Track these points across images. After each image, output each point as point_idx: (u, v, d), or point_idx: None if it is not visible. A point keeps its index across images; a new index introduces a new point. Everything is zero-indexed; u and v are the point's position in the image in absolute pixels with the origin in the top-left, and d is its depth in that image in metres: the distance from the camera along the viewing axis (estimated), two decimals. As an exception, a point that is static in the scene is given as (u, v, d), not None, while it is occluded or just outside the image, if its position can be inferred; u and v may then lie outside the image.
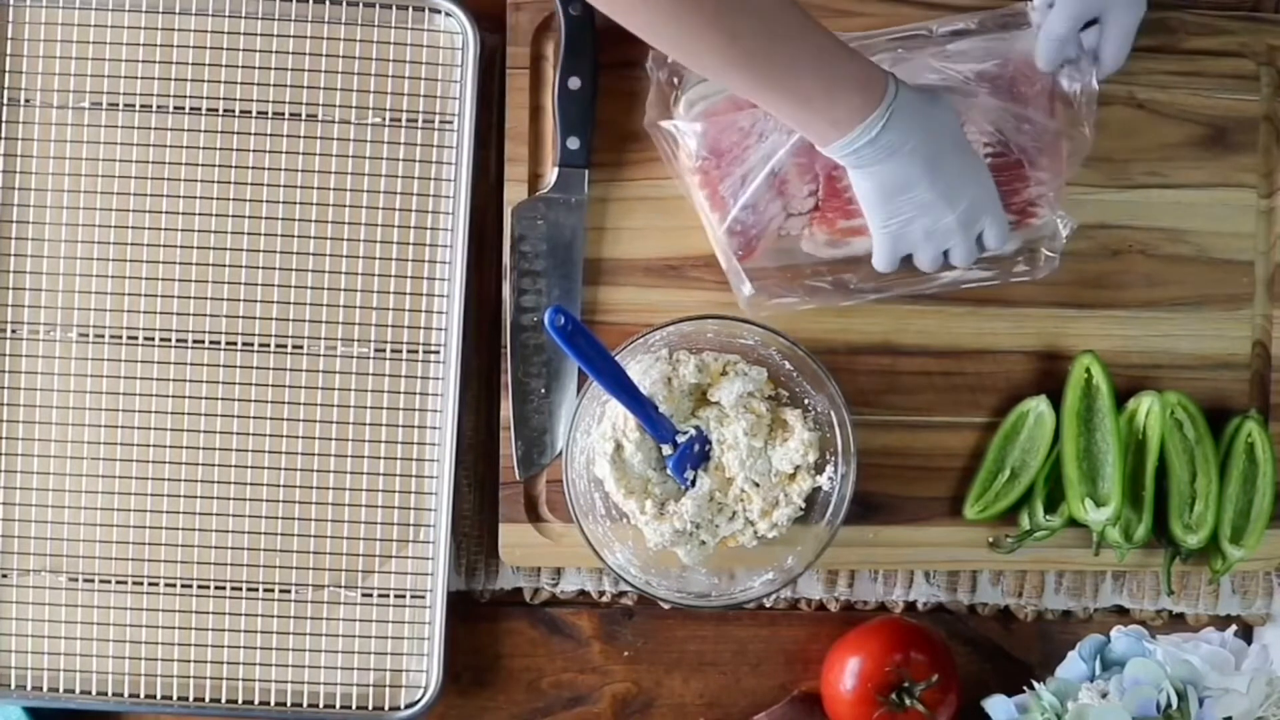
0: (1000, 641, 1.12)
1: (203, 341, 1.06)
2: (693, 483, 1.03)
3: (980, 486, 1.08)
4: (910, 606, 1.12)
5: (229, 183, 1.06)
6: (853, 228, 1.03)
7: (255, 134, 1.06)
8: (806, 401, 1.04)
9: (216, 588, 1.07)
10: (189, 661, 1.07)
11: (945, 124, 0.96)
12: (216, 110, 1.06)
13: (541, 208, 1.07)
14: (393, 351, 1.07)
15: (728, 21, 0.87)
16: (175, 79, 1.05)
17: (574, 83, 1.06)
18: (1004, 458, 1.08)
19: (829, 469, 1.03)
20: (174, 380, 1.06)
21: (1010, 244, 1.03)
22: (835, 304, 1.06)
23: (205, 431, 1.06)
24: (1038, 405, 1.08)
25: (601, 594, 1.10)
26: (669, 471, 1.03)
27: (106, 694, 1.07)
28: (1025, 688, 1.03)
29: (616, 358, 0.99)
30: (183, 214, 1.06)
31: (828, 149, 0.94)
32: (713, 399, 1.03)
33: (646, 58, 1.06)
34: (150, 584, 1.07)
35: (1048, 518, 1.07)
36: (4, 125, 1.05)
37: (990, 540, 1.09)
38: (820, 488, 1.04)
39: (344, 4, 1.06)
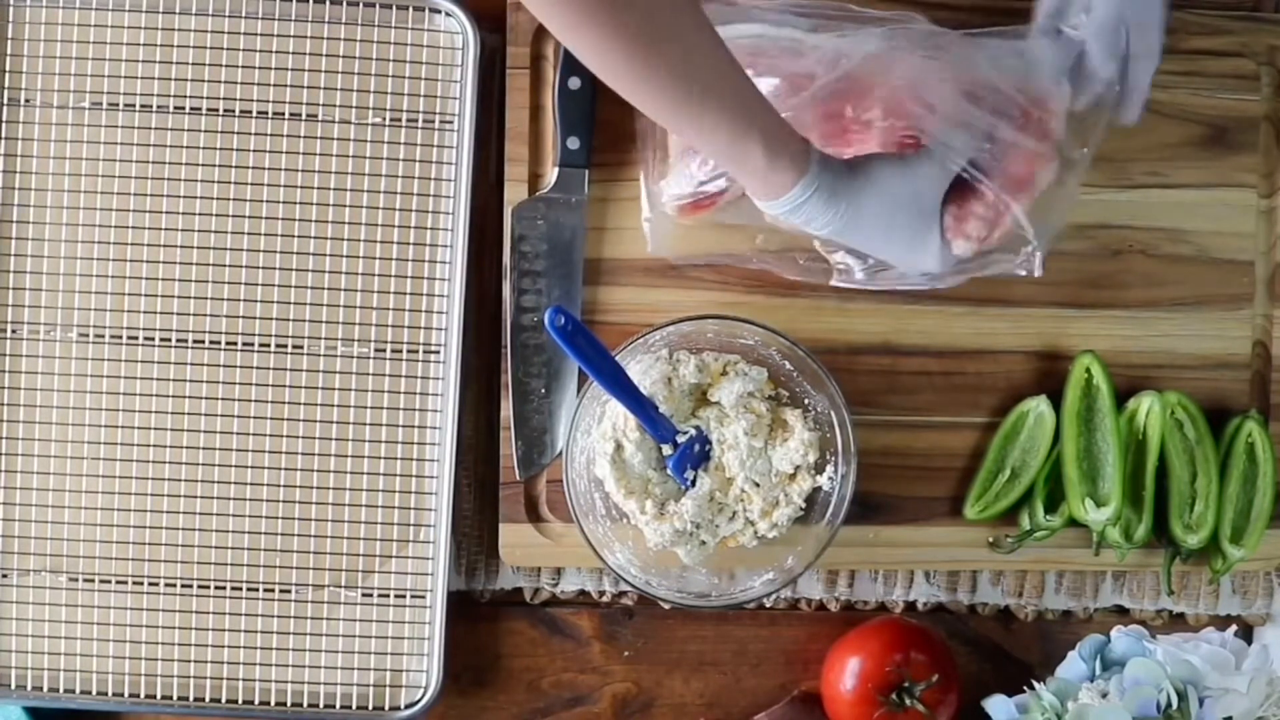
0: (1000, 641, 1.12)
1: (203, 341, 1.06)
2: (693, 483, 1.03)
3: (980, 486, 1.08)
4: (910, 606, 1.12)
5: (229, 183, 1.06)
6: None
7: (255, 134, 1.06)
8: (806, 401, 1.04)
9: (216, 588, 1.07)
10: (189, 661, 1.07)
11: (873, 194, 0.95)
12: (216, 110, 1.06)
13: (541, 208, 1.07)
14: (393, 351, 1.07)
15: (651, 53, 0.85)
16: (175, 79, 1.05)
17: (574, 83, 1.06)
18: (1004, 458, 1.08)
19: (829, 469, 1.03)
20: (174, 380, 1.06)
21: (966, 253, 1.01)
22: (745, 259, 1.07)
23: (205, 431, 1.06)
24: (1038, 405, 1.08)
25: (601, 594, 1.10)
26: (669, 471, 1.03)
27: (106, 694, 1.07)
28: (1025, 688, 1.03)
29: (616, 358, 0.98)
30: (183, 214, 1.06)
31: (761, 205, 0.96)
32: (713, 399, 1.03)
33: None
34: (150, 584, 1.07)
35: (1048, 518, 1.07)
36: (4, 125, 1.05)
37: (990, 540, 1.09)
38: (820, 488, 1.04)
39: (344, 4, 1.06)
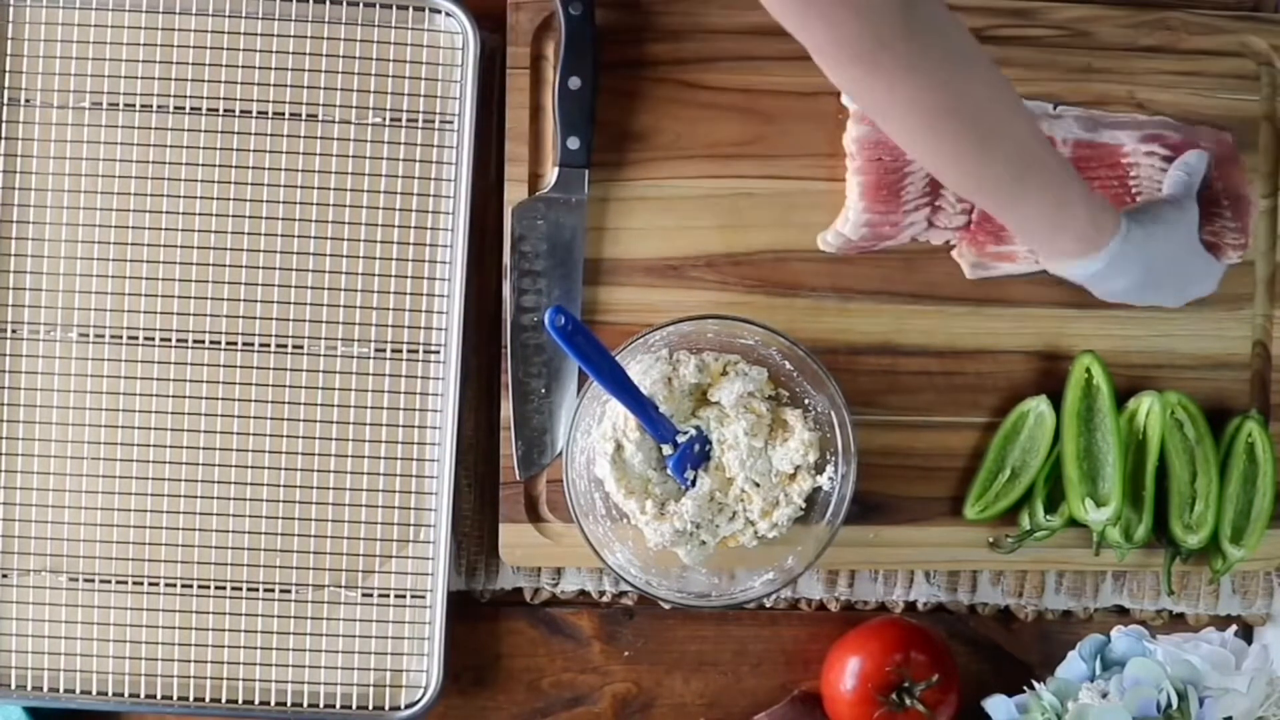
0: (1000, 641, 1.12)
1: (203, 341, 1.06)
2: (693, 483, 1.03)
3: (980, 486, 1.08)
4: (910, 606, 1.12)
5: (229, 183, 1.06)
6: (1000, 253, 1.06)
7: (255, 134, 1.06)
8: (807, 401, 1.04)
9: (216, 588, 1.07)
10: (189, 661, 1.07)
11: (1169, 239, 1.01)
12: (216, 110, 1.06)
13: (541, 208, 1.07)
14: (393, 351, 1.07)
15: (986, 149, 0.90)
16: (175, 79, 1.05)
17: (574, 83, 1.05)
18: (1004, 458, 1.08)
19: (829, 469, 1.03)
20: (174, 380, 1.06)
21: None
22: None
23: (205, 431, 1.06)
24: (1038, 405, 1.08)
25: (601, 594, 1.10)
26: (669, 471, 1.03)
27: (106, 694, 1.06)
28: (1025, 688, 1.03)
29: (616, 358, 0.98)
30: (183, 214, 1.06)
31: (1060, 272, 1.01)
32: (713, 399, 1.03)
33: (647, 58, 1.06)
34: (150, 584, 1.06)
35: (1048, 518, 1.07)
36: (4, 125, 1.05)
37: (990, 540, 1.09)
38: (820, 488, 1.03)
39: (344, 4, 1.06)
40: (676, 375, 1.02)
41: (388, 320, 1.07)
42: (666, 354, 1.03)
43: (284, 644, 1.07)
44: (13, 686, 1.06)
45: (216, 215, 1.06)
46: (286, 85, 1.06)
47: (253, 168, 1.06)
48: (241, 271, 1.06)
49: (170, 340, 1.06)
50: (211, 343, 1.06)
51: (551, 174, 1.07)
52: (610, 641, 1.11)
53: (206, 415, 1.06)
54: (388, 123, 1.07)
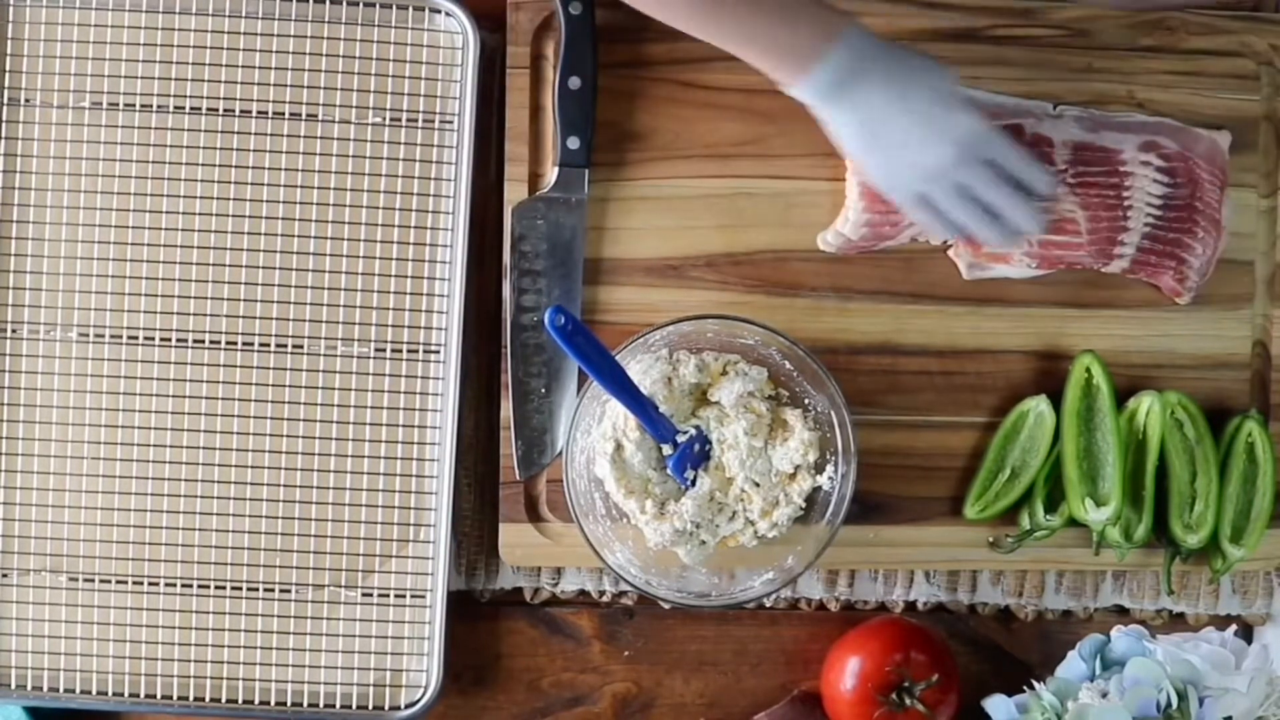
0: (1000, 641, 1.12)
1: (203, 341, 1.06)
2: (693, 482, 1.03)
3: (980, 486, 1.08)
4: (910, 606, 1.12)
5: (229, 183, 1.06)
6: (996, 254, 1.07)
7: (255, 134, 1.06)
8: (807, 401, 1.04)
9: (216, 588, 1.07)
10: (189, 661, 1.07)
11: (915, 68, 0.96)
12: (216, 110, 1.06)
13: (541, 208, 1.07)
14: (393, 351, 1.07)
15: None
16: (175, 79, 1.05)
17: (574, 82, 1.05)
18: (1004, 457, 1.08)
19: (829, 468, 1.03)
20: (174, 380, 1.06)
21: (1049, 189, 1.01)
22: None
23: (205, 431, 1.06)
24: (1038, 405, 1.08)
25: (601, 594, 1.10)
26: (669, 471, 1.03)
27: (106, 694, 1.07)
28: (1025, 688, 1.03)
29: (616, 357, 0.98)
30: (183, 214, 1.06)
31: (793, 89, 0.96)
32: (713, 399, 1.03)
33: (646, 57, 1.06)
34: (150, 584, 1.06)
35: (1048, 517, 1.07)
36: (4, 125, 1.05)
37: (990, 540, 1.09)
38: (820, 487, 1.03)
39: (344, 4, 1.06)
40: (676, 375, 1.02)
41: (388, 320, 1.07)
42: (666, 354, 1.03)
43: (284, 644, 1.07)
44: (13, 686, 1.06)
45: (216, 215, 1.06)
46: (286, 85, 1.06)
47: (253, 168, 1.06)
48: (241, 271, 1.06)
49: (170, 340, 1.06)
50: (211, 343, 1.06)
51: (551, 174, 1.07)
52: (610, 641, 1.11)
53: (206, 415, 1.06)
54: (388, 123, 1.07)
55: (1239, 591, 1.12)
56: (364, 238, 1.06)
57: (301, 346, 1.07)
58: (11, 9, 1.05)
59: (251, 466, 1.06)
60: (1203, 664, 0.97)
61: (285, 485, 1.07)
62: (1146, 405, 1.08)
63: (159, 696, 1.07)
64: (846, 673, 1.05)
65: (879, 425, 1.08)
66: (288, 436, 1.07)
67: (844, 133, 0.98)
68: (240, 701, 1.07)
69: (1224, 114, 1.10)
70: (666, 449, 1.03)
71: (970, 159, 0.97)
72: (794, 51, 0.95)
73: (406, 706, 1.07)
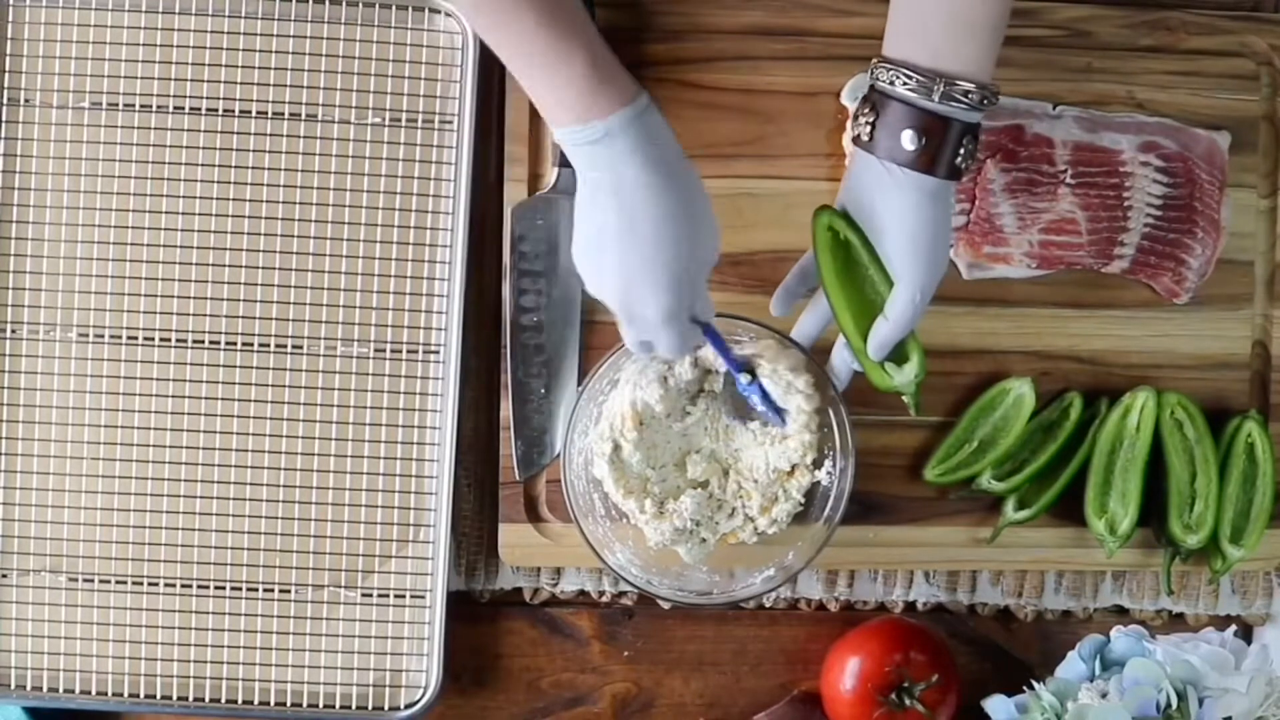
0: (1000, 641, 1.12)
1: (203, 341, 1.06)
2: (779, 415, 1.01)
3: (945, 451, 1.08)
4: (910, 606, 1.12)
5: (229, 183, 1.06)
6: (997, 254, 1.06)
7: (255, 134, 1.06)
8: (806, 401, 1.04)
9: (216, 588, 1.07)
10: (189, 661, 1.07)
11: (649, 201, 0.87)
12: (216, 110, 1.06)
13: (541, 208, 1.07)
14: (393, 351, 1.07)
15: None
16: (175, 79, 1.05)
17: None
18: (975, 428, 1.08)
19: (827, 464, 1.03)
20: (174, 380, 1.06)
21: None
22: None
23: (205, 431, 1.06)
24: (1020, 386, 1.08)
25: (601, 594, 1.10)
26: (759, 409, 1.00)
27: (106, 694, 1.07)
28: (1025, 688, 1.03)
29: (613, 358, 0.99)
30: (183, 214, 1.06)
31: (554, 129, 0.88)
32: (709, 388, 1.03)
33: (647, 58, 1.06)
34: (150, 584, 1.07)
35: (990, 480, 1.07)
36: (4, 125, 1.05)
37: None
38: (819, 482, 1.03)
39: (344, 4, 1.06)
40: (672, 374, 1.02)
41: (388, 320, 1.07)
42: (666, 354, 1.03)
43: (284, 644, 1.07)
44: (12, 686, 1.06)
45: (216, 215, 1.06)
46: (286, 85, 1.06)
47: (253, 168, 1.06)
48: (241, 271, 1.06)
49: (170, 340, 1.06)
50: (211, 343, 1.06)
51: (551, 174, 1.07)
52: (610, 641, 1.11)
53: (206, 415, 1.06)
54: (388, 123, 1.07)
55: (1239, 592, 1.12)
56: (364, 238, 1.06)
57: (301, 346, 1.07)
58: (11, 9, 1.05)
59: (251, 467, 1.07)
60: (1202, 664, 0.97)
61: (285, 485, 1.07)
62: (1141, 401, 1.08)
63: (159, 696, 1.07)
64: (846, 673, 1.05)
65: (879, 425, 1.08)
66: (287, 437, 1.07)
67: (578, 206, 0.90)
68: (240, 701, 1.07)
69: (1224, 114, 1.10)
70: (744, 379, 1.00)
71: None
72: (579, 90, 0.86)
73: (406, 707, 1.07)
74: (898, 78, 0.90)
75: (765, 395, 1.00)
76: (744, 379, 1.00)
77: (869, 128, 0.92)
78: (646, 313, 0.89)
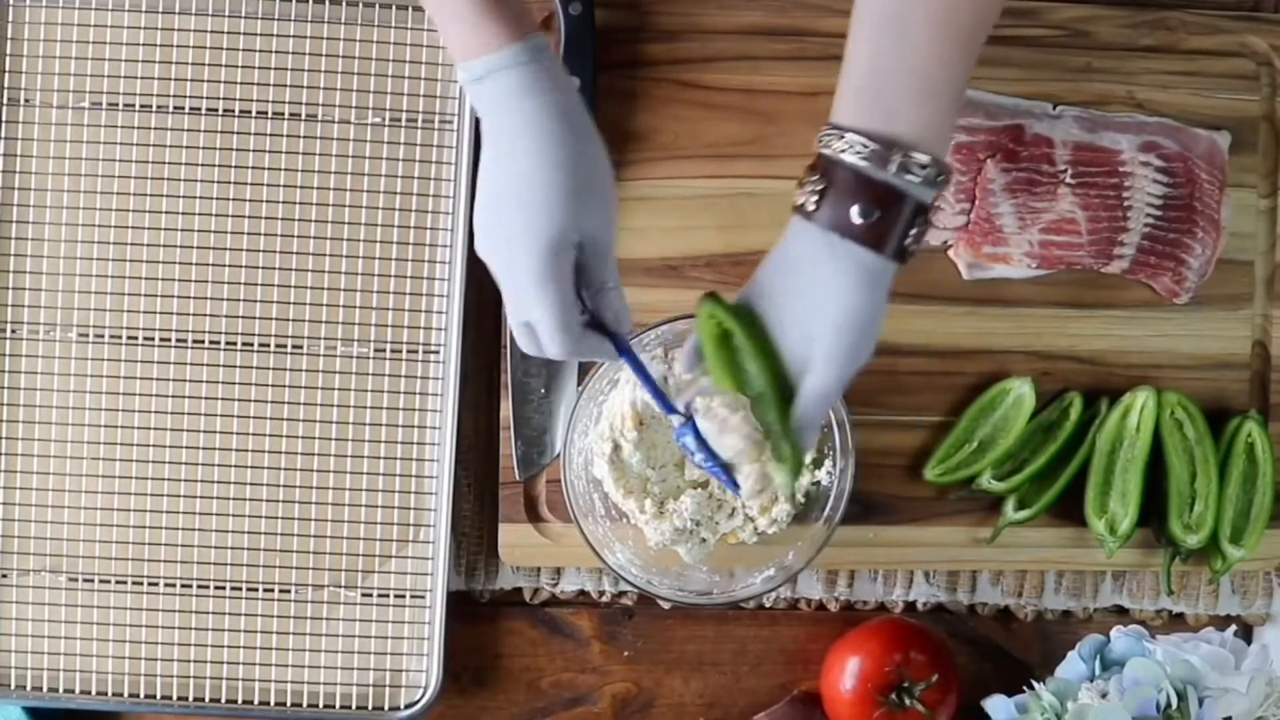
0: (1000, 641, 1.12)
1: (203, 341, 1.06)
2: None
3: (945, 451, 1.08)
4: (910, 606, 1.12)
5: (229, 183, 1.06)
6: (996, 254, 1.06)
7: (255, 134, 1.06)
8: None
9: (216, 588, 1.07)
10: (189, 661, 1.07)
11: (540, 142, 0.83)
12: (216, 110, 1.06)
13: (541, 208, 1.06)
14: (393, 351, 1.07)
15: None
16: (175, 79, 1.05)
17: (574, 82, 1.05)
18: (975, 429, 1.08)
19: (827, 464, 1.03)
20: (174, 380, 1.06)
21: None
22: None
23: (205, 431, 1.06)
24: (1020, 386, 1.08)
25: (601, 594, 1.10)
26: (695, 459, 0.94)
27: (106, 694, 1.07)
28: (1025, 688, 1.03)
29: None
30: (183, 214, 1.06)
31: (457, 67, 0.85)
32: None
33: (646, 58, 1.06)
34: (150, 584, 1.07)
35: (990, 480, 1.07)
36: (4, 125, 1.05)
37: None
38: (820, 482, 1.04)
39: (344, 4, 1.06)
40: (672, 374, 1.02)
41: (388, 320, 1.07)
42: (661, 353, 1.03)
43: (284, 644, 1.07)
44: (12, 686, 1.06)
45: (216, 215, 1.06)
46: (286, 85, 1.06)
47: (253, 168, 1.06)
48: (241, 271, 1.06)
49: (170, 340, 1.06)
50: (211, 343, 1.06)
51: (551, 174, 1.06)
52: (610, 641, 1.11)
53: (206, 415, 1.06)
54: (388, 123, 1.07)
55: (1239, 592, 1.12)
56: (364, 238, 1.06)
57: (301, 346, 1.07)
58: (11, 9, 1.05)
59: (251, 467, 1.06)
60: (1202, 664, 0.97)
61: (285, 485, 1.07)
62: (1141, 401, 1.08)
63: (159, 696, 1.07)
64: (846, 673, 1.05)
65: (878, 425, 1.08)
66: (287, 436, 1.07)
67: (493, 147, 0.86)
68: (240, 701, 1.07)
69: (1224, 114, 1.10)
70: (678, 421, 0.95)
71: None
72: (466, 23, 0.83)
73: (406, 707, 1.07)
74: (850, 145, 0.83)
75: (703, 444, 0.90)
76: (676, 422, 0.91)
77: (815, 197, 0.84)
78: (519, 277, 0.83)
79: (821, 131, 0.85)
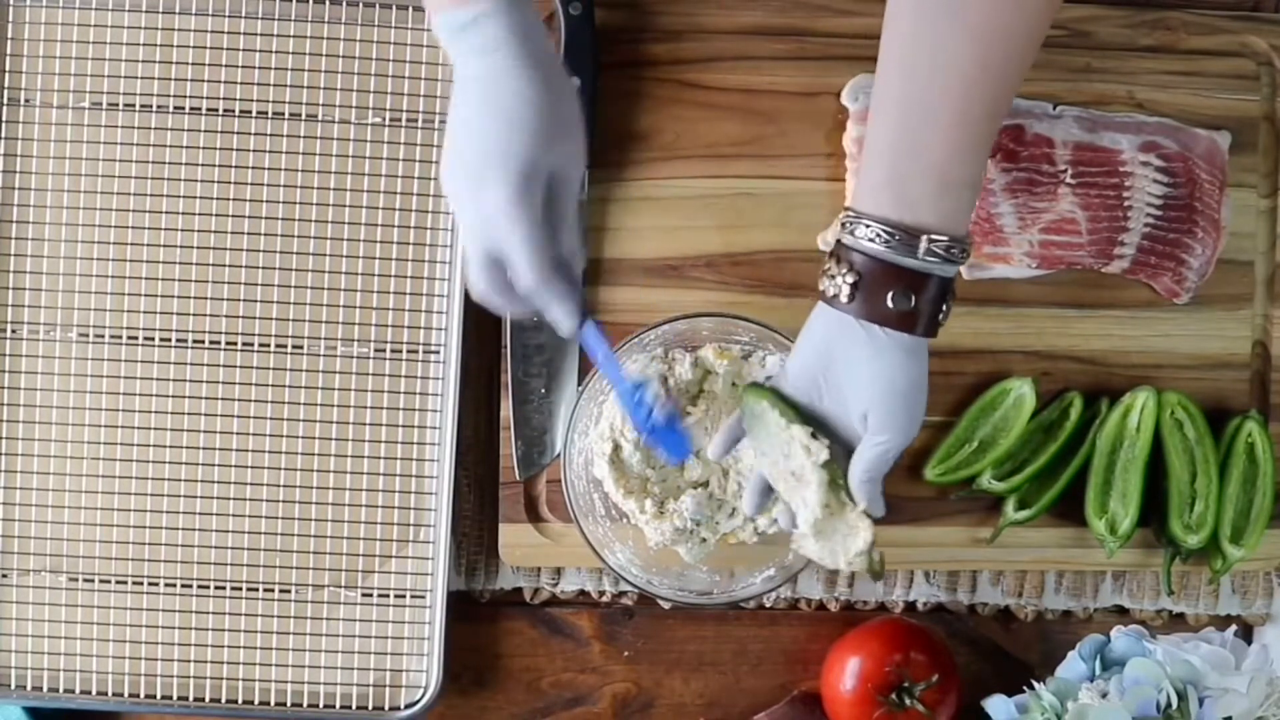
0: (1000, 641, 1.12)
1: (203, 341, 1.06)
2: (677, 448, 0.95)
3: (945, 451, 1.08)
4: (910, 606, 1.12)
5: (229, 183, 1.06)
6: (997, 254, 1.06)
7: (255, 134, 1.06)
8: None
9: (216, 588, 1.07)
10: (189, 661, 1.07)
11: (514, 94, 0.83)
12: (216, 110, 1.06)
13: (541, 207, 1.06)
14: (393, 351, 1.07)
15: None
16: (175, 79, 1.05)
17: (574, 82, 1.05)
18: (975, 429, 1.08)
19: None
20: (174, 380, 1.06)
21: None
22: None
23: (205, 431, 1.06)
24: (1020, 386, 1.08)
25: (601, 594, 1.10)
26: (651, 444, 0.97)
27: (106, 694, 1.07)
28: (1025, 688, 1.03)
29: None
30: (183, 214, 1.06)
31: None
32: (709, 388, 1.03)
33: (647, 58, 1.06)
34: (150, 584, 1.07)
35: (991, 480, 1.07)
36: (4, 125, 1.05)
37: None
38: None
39: (344, 4, 1.06)
40: (672, 374, 1.02)
41: (388, 320, 1.07)
42: (662, 353, 1.03)
43: (284, 644, 1.07)
44: (12, 686, 1.06)
45: (216, 215, 1.06)
46: (286, 85, 1.06)
47: (253, 168, 1.06)
48: (241, 271, 1.06)
49: (170, 340, 1.06)
50: (211, 343, 1.06)
51: (551, 174, 1.06)
52: (610, 641, 1.11)
53: (206, 415, 1.06)
54: (388, 123, 1.07)
55: (1239, 592, 1.12)
56: (364, 238, 1.06)
57: (301, 346, 1.07)
58: (11, 9, 1.05)
59: (251, 467, 1.07)
60: (1202, 664, 0.97)
61: (285, 485, 1.07)
62: (1141, 401, 1.08)
63: (159, 696, 1.07)
64: (846, 673, 1.05)
65: (879, 425, 1.08)
66: (287, 437, 1.07)
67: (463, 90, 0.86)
68: (240, 701, 1.07)
69: (1224, 114, 1.10)
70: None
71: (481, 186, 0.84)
72: None
73: (406, 707, 1.07)
74: (877, 235, 0.86)
75: (656, 417, 0.93)
76: (628, 387, 0.93)
77: (848, 288, 0.87)
78: (489, 205, 0.82)
79: (842, 216, 0.89)
